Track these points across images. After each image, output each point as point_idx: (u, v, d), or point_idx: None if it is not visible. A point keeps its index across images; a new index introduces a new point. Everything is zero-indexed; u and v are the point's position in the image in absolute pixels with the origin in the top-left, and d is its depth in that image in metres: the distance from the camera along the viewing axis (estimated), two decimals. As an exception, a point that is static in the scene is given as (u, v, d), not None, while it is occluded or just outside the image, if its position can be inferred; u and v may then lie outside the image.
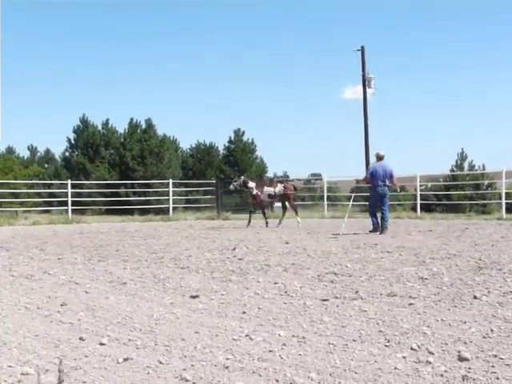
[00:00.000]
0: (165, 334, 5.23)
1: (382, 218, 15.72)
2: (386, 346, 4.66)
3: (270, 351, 4.59)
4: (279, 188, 19.21)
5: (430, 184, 29.37)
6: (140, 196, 29.86)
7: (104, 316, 6.05)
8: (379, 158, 15.97)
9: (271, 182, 20.17)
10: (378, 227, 15.57)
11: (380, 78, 45.28)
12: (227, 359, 4.42)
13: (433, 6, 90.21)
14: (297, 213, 19.67)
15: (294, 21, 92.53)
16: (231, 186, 19.58)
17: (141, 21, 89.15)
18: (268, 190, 19.09)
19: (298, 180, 42.13)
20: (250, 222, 19.07)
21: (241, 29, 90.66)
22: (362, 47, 35.30)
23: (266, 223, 19.15)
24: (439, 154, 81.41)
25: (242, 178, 19.92)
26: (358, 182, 18.90)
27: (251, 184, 19.24)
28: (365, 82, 34.81)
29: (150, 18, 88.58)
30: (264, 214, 19.76)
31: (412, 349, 4.53)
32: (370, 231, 15.62)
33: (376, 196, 15.81)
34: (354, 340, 4.86)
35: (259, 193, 19.01)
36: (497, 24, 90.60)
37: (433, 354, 4.41)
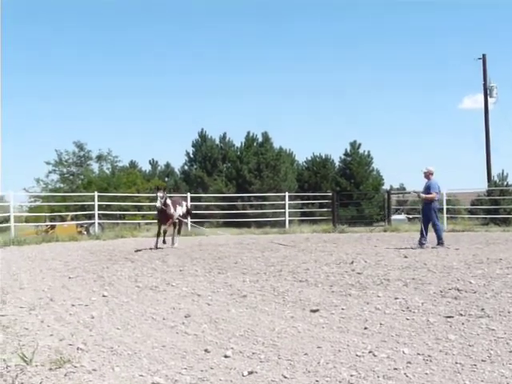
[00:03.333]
0: (287, 347, 5.27)
1: (438, 231, 15.82)
2: (517, 367, 4.48)
3: (395, 369, 4.52)
4: (185, 207, 19.00)
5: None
6: (256, 209, 30.24)
7: (227, 328, 6.17)
8: (431, 173, 15.99)
9: (180, 201, 18.93)
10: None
11: (501, 87, 43.63)
12: (351, 376, 4.39)
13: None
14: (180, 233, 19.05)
15: (410, 30, 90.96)
16: (157, 204, 16.97)
17: (255, 30, 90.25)
18: (179, 209, 18.19)
19: (415, 192, 41.19)
20: (158, 239, 17.42)
21: (356, 38, 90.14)
22: (484, 55, 34.19)
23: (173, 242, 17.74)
24: None
25: (167, 194, 17.98)
26: (421, 197, 17.32)
27: (168, 201, 17.51)
28: (486, 92, 33.67)
29: (264, 26, 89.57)
30: (179, 231, 18.79)
31: (547, 372, 4.33)
32: (439, 244, 15.61)
33: (436, 211, 15.97)
34: (483, 360, 4.70)
35: (174, 212, 17.66)
36: None
37: None
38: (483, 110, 34.16)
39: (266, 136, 36.47)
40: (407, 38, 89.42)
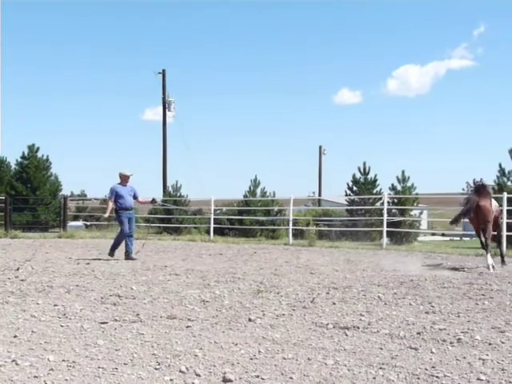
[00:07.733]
0: None
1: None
2: (156, 368, 4.70)
3: (36, 377, 4.44)
4: None
5: (224, 208, 30.08)
6: None
7: None
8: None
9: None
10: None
11: (180, 102, 45.55)
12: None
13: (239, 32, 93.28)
14: None
15: (100, 38, 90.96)
16: None
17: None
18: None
19: (96, 199, 41.16)
20: None
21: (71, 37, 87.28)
22: (164, 70, 35.62)
23: None
24: (236, 180, 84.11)
25: None
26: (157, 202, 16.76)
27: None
28: (165, 106, 35.14)
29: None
30: None
31: (181, 371, 4.61)
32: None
33: None
34: (125, 363, 4.84)
35: None
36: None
37: (199, 375, 4.52)
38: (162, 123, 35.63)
39: None
40: (99, 44, 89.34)
